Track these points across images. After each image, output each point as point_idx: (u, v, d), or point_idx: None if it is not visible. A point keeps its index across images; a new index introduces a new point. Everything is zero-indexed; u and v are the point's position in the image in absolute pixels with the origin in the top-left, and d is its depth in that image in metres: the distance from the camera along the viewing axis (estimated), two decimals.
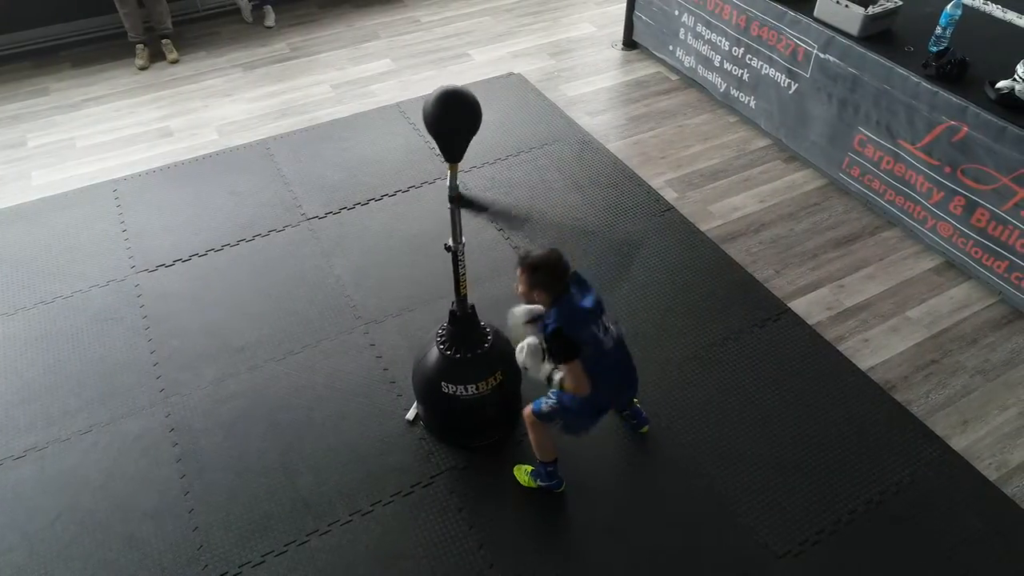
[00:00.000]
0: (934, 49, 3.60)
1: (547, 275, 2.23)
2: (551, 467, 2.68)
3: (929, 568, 2.57)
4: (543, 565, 2.57)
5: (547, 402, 2.47)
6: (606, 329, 2.33)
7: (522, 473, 2.79)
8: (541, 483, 2.73)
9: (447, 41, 5.50)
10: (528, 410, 2.55)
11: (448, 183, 2.36)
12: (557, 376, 2.30)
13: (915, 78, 3.51)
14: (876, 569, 2.56)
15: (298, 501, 2.75)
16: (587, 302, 2.28)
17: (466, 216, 2.44)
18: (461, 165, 2.45)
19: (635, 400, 2.90)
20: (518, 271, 2.28)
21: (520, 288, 2.29)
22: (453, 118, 2.23)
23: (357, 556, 2.59)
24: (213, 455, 2.89)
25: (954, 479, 2.81)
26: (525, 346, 2.35)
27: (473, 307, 2.71)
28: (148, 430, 2.98)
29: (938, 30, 3.60)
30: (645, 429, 2.93)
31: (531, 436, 2.61)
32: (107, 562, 2.58)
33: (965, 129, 3.36)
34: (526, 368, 2.38)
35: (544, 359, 2.33)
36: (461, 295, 2.63)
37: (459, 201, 2.35)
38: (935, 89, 3.44)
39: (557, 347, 2.21)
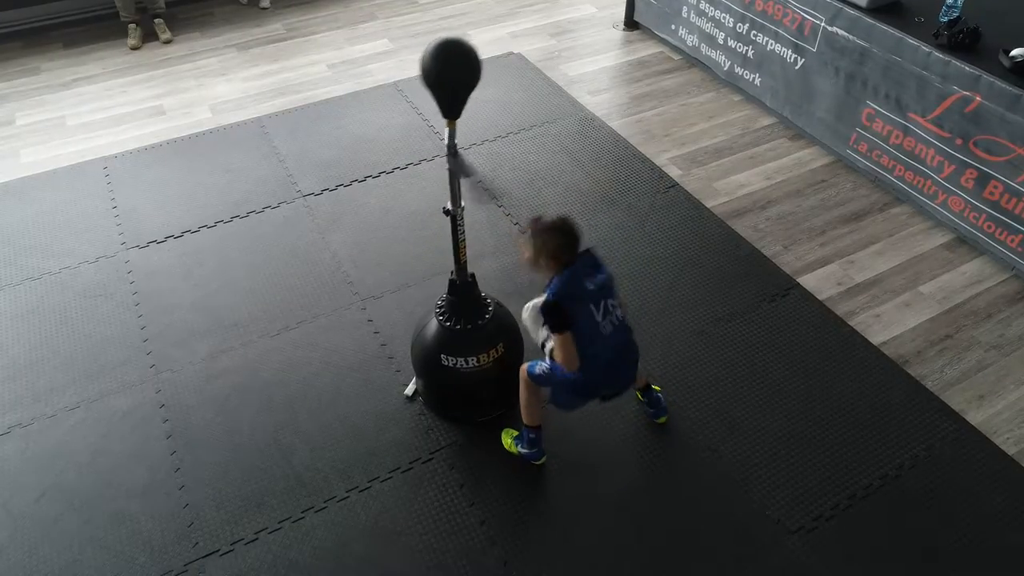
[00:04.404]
0: (945, 19, 3.51)
1: (554, 242, 2.17)
2: (534, 434, 2.60)
3: (949, 543, 2.47)
4: (546, 542, 2.48)
5: (541, 366, 2.41)
6: (607, 313, 2.24)
7: (508, 437, 2.72)
8: (522, 450, 2.65)
9: (445, 22, 5.41)
10: (524, 368, 2.49)
11: (446, 140, 2.27)
12: (549, 345, 2.27)
13: (926, 48, 3.42)
14: (894, 545, 2.47)
15: (293, 478, 2.65)
16: (591, 282, 2.21)
17: (465, 183, 2.36)
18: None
19: (656, 388, 2.81)
20: (526, 235, 2.20)
21: (526, 254, 2.22)
22: (452, 71, 2.13)
23: (355, 533, 2.50)
24: (205, 431, 2.79)
25: (972, 454, 2.72)
26: (530, 307, 2.30)
27: (473, 276, 2.61)
28: (138, 406, 2.87)
29: None
30: (663, 419, 2.81)
31: (521, 395, 2.53)
32: (94, 539, 2.47)
33: (978, 99, 3.27)
34: (527, 329, 2.34)
35: (543, 324, 2.26)
36: (461, 263, 2.54)
37: (455, 158, 2.27)
38: (947, 59, 3.35)
39: (550, 317, 2.17)
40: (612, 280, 2.29)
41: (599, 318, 2.22)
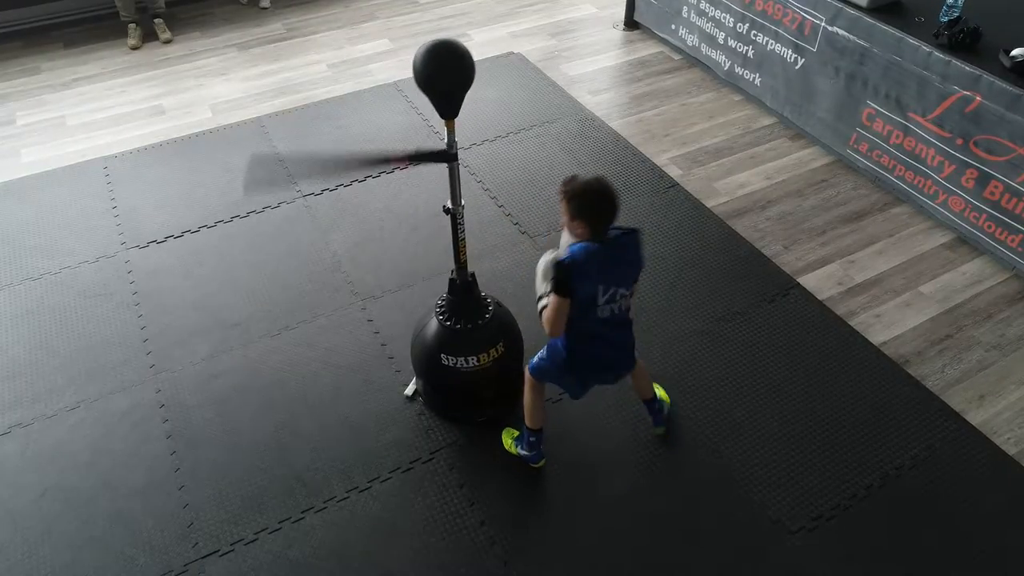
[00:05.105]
0: (945, 19, 3.51)
1: (587, 205, 2.09)
2: (534, 436, 2.58)
3: (949, 543, 2.47)
4: (546, 542, 2.48)
5: (539, 355, 2.41)
6: (612, 300, 2.21)
7: (508, 437, 2.71)
8: (522, 452, 2.64)
9: (446, 21, 5.41)
10: (527, 368, 2.49)
11: (445, 140, 2.27)
12: (543, 303, 2.20)
13: (926, 48, 3.42)
14: (894, 545, 2.47)
15: (293, 478, 2.65)
16: (610, 265, 2.16)
17: (465, 187, 2.36)
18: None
19: (666, 400, 2.79)
20: (560, 195, 2.13)
21: (563, 217, 2.14)
22: (444, 72, 2.13)
23: (355, 533, 2.50)
24: (205, 431, 2.79)
25: (972, 454, 2.72)
26: (547, 256, 2.21)
27: (473, 275, 2.61)
28: (137, 406, 2.87)
29: None
30: (660, 430, 2.78)
31: (524, 396, 2.53)
32: (94, 539, 2.47)
33: (978, 99, 3.27)
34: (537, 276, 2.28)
35: (551, 278, 2.18)
36: (461, 262, 2.54)
37: (452, 157, 2.26)
38: (947, 59, 3.35)
39: (555, 275, 2.13)
40: (638, 271, 2.25)
41: (600, 301, 2.19)
